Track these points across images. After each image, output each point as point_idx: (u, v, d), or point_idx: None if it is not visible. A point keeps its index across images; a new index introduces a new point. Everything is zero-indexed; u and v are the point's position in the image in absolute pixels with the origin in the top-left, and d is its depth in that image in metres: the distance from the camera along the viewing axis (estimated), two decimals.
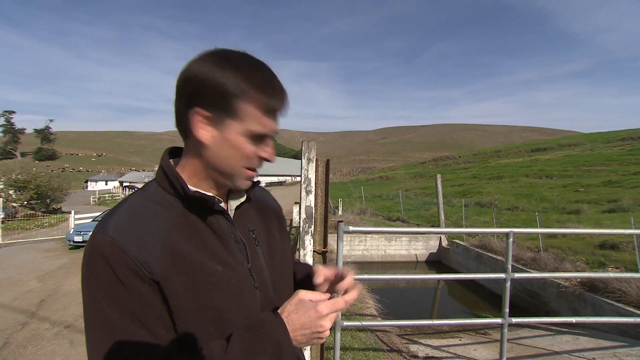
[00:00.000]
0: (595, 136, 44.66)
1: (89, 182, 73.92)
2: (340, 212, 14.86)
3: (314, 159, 2.49)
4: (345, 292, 0.74)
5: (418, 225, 13.26)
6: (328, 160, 2.61)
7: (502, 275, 2.89)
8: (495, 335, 4.23)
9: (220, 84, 0.61)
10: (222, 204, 0.70)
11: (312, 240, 2.50)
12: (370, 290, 6.16)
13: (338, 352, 2.65)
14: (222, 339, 0.61)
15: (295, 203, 13.54)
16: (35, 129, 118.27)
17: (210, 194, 0.68)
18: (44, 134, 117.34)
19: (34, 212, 19.38)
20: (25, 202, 20.72)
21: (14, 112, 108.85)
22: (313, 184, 2.48)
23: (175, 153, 0.74)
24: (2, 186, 21.23)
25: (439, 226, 11.50)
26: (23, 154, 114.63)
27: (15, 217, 18.04)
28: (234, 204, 0.75)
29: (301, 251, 2.50)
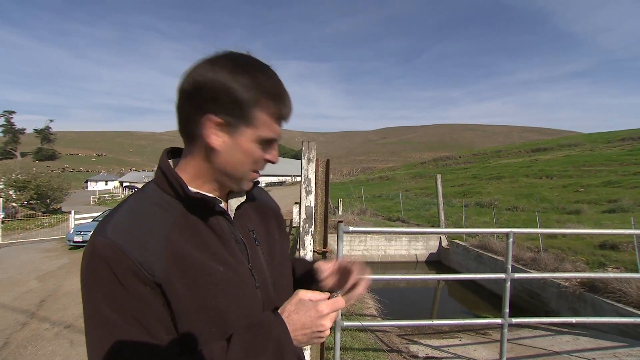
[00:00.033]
0: (595, 136, 44.66)
1: (89, 182, 73.91)
2: (340, 212, 14.87)
3: (314, 159, 2.49)
4: (353, 286, 0.75)
5: (418, 226, 13.26)
6: (328, 161, 2.61)
7: (502, 276, 2.89)
8: (495, 335, 4.23)
9: (236, 92, 0.61)
10: (222, 204, 0.70)
11: (312, 240, 2.50)
12: (370, 290, 6.17)
13: (338, 352, 2.65)
14: (224, 339, 0.61)
15: (295, 203, 13.55)
16: (35, 129, 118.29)
17: (212, 195, 0.68)
18: (44, 134, 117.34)
19: (34, 212, 19.38)
20: (25, 202, 20.73)
21: (14, 112, 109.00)
22: (313, 184, 2.48)
23: (173, 153, 0.74)
24: (2, 186, 21.24)
25: (439, 226, 11.50)
26: (23, 154, 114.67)
27: (15, 217, 18.04)
28: (234, 204, 0.75)
29: (301, 251, 2.50)
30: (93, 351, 0.56)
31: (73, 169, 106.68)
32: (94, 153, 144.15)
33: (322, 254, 2.62)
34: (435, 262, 11.07)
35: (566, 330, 4.30)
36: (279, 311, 0.63)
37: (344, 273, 0.79)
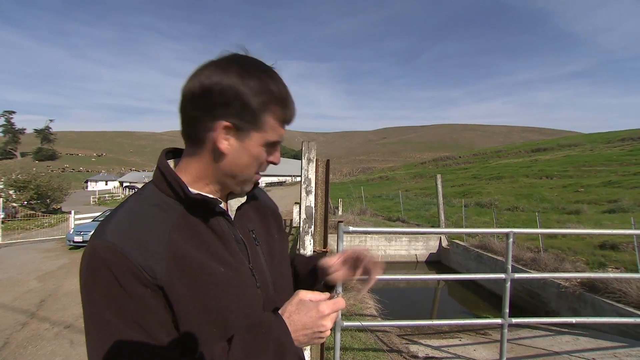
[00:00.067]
0: (595, 136, 44.66)
1: (89, 182, 73.91)
2: (340, 212, 14.87)
3: (314, 159, 2.49)
4: (367, 272, 0.80)
5: (418, 226, 13.26)
6: (328, 161, 2.61)
7: (502, 276, 2.89)
8: (495, 335, 4.23)
9: (246, 97, 0.61)
10: (222, 205, 0.70)
11: (312, 241, 2.50)
12: (370, 291, 6.17)
13: (338, 352, 2.65)
14: (225, 340, 0.61)
15: (296, 203, 13.55)
16: (35, 129, 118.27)
17: (212, 196, 0.68)
18: (44, 134, 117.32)
19: (34, 212, 19.38)
20: (25, 202, 20.73)
21: (14, 112, 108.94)
22: (313, 184, 2.48)
23: (172, 154, 0.74)
24: (2, 186, 21.25)
25: (439, 226, 11.50)
26: (23, 154, 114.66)
27: (15, 217, 18.04)
28: (234, 204, 0.75)
29: (301, 251, 2.50)
30: (94, 354, 0.55)
31: (73, 169, 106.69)
32: (94, 153, 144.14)
33: (322, 254, 2.62)
34: (435, 262, 11.07)
35: (566, 330, 4.30)
36: (279, 312, 0.64)
37: (353, 263, 0.84)
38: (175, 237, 0.61)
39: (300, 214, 2.54)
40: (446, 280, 9.36)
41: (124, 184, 59.04)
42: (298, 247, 3.05)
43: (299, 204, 2.68)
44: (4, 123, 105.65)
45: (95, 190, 49.28)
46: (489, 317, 5.16)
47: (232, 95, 0.61)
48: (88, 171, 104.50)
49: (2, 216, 14.58)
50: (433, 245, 11.28)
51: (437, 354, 3.67)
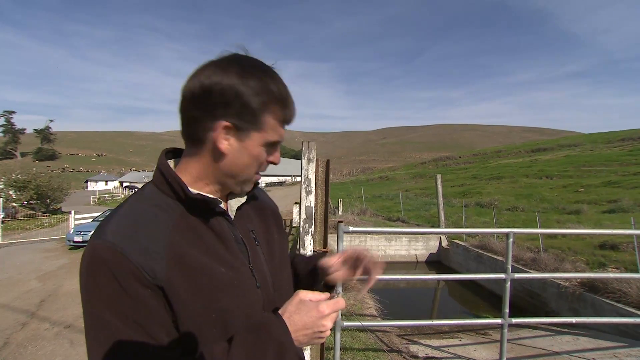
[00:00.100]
0: (595, 136, 44.65)
1: (89, 182, 73.89)
2: (340, 212, 14.87)
3: (314, 159, 2.49)
4: (369, 272, 0.82)
5: (418, 226, 13.26)
6: (328, 161, 2.61)
7: (502, 276, 2.89)
8: (495, 335, 4.23)
9: (246, 97, 0.61)
10: (222, 205, 0.70)
11: (312, 241, 2.50)
12: (370, 291, 6.17)
13: (338, 352, 2.65)
14: (225, 340, 0.61)
15: (296, 203, 13.55)
16: (35, 129, 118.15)
17: (212, 197, 0.68)
18: (44, 134, 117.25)
19: (34, 212, 19.38)
20: (25, 202, 20.74)
21: (14, 112, 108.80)
22: (313, 184, 2.48)
23: (172, 154, 0.73)
24: (2, 186, 21.26)
25: (439, 226, 11.50)
26: (23, 154, 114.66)
27: (15, 217, 18.05)
28: (234, 204, 0.75)
29: (301, 251, 2.50)
30: (94, 355, 0.55)
31: (73, 169, 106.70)
32: (94, 153, 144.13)
33: (322, 254, 2.62)
34: (435, 262, 11.07)
35: (566, 330, 4.30)
36: (279, 312, 0.63)
37: (353, 263, 0.85)
38: (175, 237, 0.61)
39: (300, 214, 2.54)
40: (446, 280, 9.36)
41: (124, 184, 59.02)
42: (298, 247, 3.05)
43: (299, 204, 2.68)
44: (4, 123, 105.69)
45: (95, 190, 49.29)
46: (489, 317, 5.16)
47: (232, 95, 0.61)
48: (88, 171, 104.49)
49: (2, 216, 14.57)
50: (433, 245, 11.28)
51: (437, 354, 3.67)
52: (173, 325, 0.59)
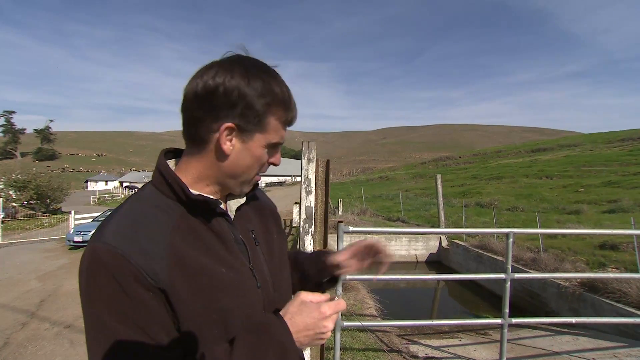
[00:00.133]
0: (595, 136, 44.66)
1: (88, 182, 73.90)
2: (340, 212, 14.87)
3: (314, 159, 2.49)
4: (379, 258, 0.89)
5: (418, 226, 13.26)
6: (328, 161, 2.61)
7: (502, 276, 2.89)
8: (495, 335, 4.23)
9: (250, 98, 0.61)
10: (222, 206, 0.70)
11: (312, 241, 2.50)
12: (370, 291, 6.17)
13: (338, 353, 2.65)
14: (227, 341, 0.61)
15: (296, 203, 13.55)
16: (35, 129, 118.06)
17: (213, 197, 0.68)
18: (44, 134, 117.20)
19: (34, 212, 19.40)
20: (25, 202, 20.75)
21: (14, 112, 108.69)
22: (313, 185, 2.48)
23: (171, 154, 0.73)
24: (2, 186, 21.27)
25: (439, 226, 11.50)
26: (23, 154, 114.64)
27: (15, 217, 18.06)
28: (233, 205, 0.75)
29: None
30: (95, 357, 0.55)
31: (73, 169, 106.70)
32: (94, 153, 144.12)
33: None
34: (435, 263, 11.07)
35: (566, 330, 4.30)
36: (281, 313, 0.64)
37: (363, 254, 0.90)
38: (175, 238, 0.61)
39: (300, 214, 2.54)
40: (446, 280, 9.36)
41: (124, 184, 59.03)
42: (298, 247, 3.05)
43: (299, 204, 2.68)
44: (4, 123, 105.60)
45: (95, 190, 49.29)
46: (489, 317, 5.16)
47: (236, 96, 0.61)
48: (88, 171, 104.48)
49: (2, 216, 14.58)
50: (433, 245, 11.28)
51: (437, 354, 3.67)
52: (174, 326, 0.58)
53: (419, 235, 11.25)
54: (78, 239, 10.57)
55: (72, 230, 11.51)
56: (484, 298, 7.81)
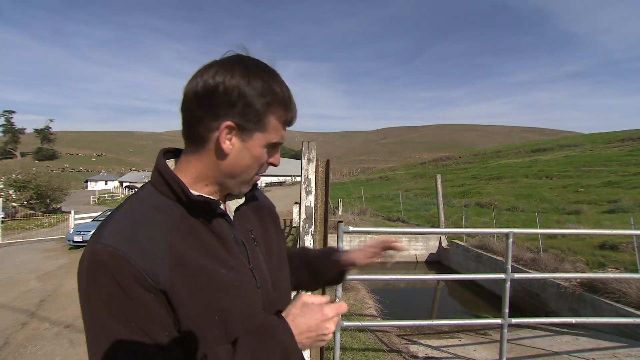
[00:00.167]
0: (595, 137, 44.65)
1: (88, 182, 73.86)
2: (340, 212, 14.87)
3: (314, 159, 2.49)
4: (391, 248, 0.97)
5: (418, 226, 13.26)
6: (328, 161, 2.61)
7: (502, 276, 2.89)
8: (495, 335, 4.23)
9: (251, 97, 0.61)
10: (221, 206, 0.70)
11: (312, 241, 2.50)
12: (370, 291, 6.17)
13: (338, 353, 2.66)
14: (228, 341, 0.61)
15: (295, 203, 13.55)
16: (35, 129, 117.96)
17: (213, 198, 0.68)
18: (44, 134, 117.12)
19: (33, 212, 19.39)
20: (25, 202, 20.74)
21: (14, 112, 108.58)
22: (313, 184, 2.48)
23: (170, 154, 0.73)
24: (2, 186, 21.26)
25: (438, 226, 11.50)
26: (23, 154, 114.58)
27: (15, 217, 18.05)
28: (232, 205, 0.75)
29: None
30: (95, 359, 0.54)
31: (73, 169, 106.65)
32: (94, 153, 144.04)
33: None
34: (435, 263, 11.07)
35: (566, 330, 4.30)
36: (283, 314, 0.64)
37: (376, 251, 0.97)
38: (176, 239, 0.60)
39: (300, 214, 2.54)
40: (446, 281, 9.36)
41: (124, 184, 59.02)
42: (298, 247, 3.05)
43: (299, 204, 2.68)
44: (4, 123, 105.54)
45: (95, 190, 49.26)
46: (488, 317, 5.16)
47: (236, 95, 0.61)
48: (88, 171, 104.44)
49: (2, 216, 14.57)
50: (433, 245, 11.28)
51: (436, 354, 3.67)
52: (175, 327, 0.58)
53: (418, 235, 11.24)
54: (78, 238, 10.57)
55: (72, 230, 11.51)
56: (483, 298, 7.81)
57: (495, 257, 8.05)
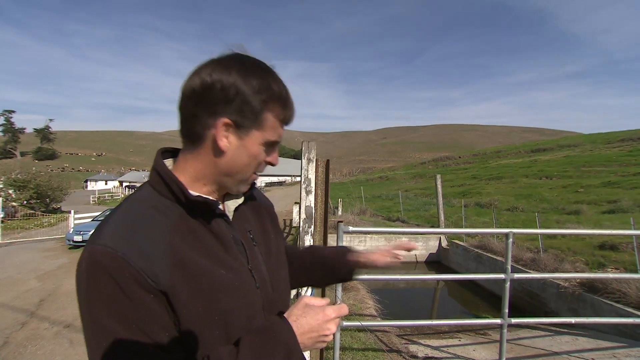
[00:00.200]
0: (595, 137, 44.66)
1: (88, 182, 73.83)
2: (340, 212, 14.87)
3: (314, 159, 2.49)
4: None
5: (418, 226, 13.26)
6: (328, 161, 2.61)
7: (502, 276, 2.89)
8: (494, 335, 4.24)
9: (247, 95, 0.61)
10: (220, 206, 0.69)
11: (312, 240, 2.50)
12: (369, 291, 6.17)
13: (337, 352, 2.66)
14: (228, 342, 0.61)
15: (295, 203, 13.55)
16: (35, 129, 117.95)
17: (212, 198, 0.67)
18: (44, 134, 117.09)
19: (33, 211, 19.38)
20: (25, 202, 20.73)
21: (13, 111, 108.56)
22: (313, 184, 2.48)
23: (168, 153, 0.72)
24: (1, 186, 21.25)
25: (438, 226, 11.50)
26: (23, 154, 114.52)
27: (14, 217, 18.03)
28: (231, 205, 0.75)
29: None
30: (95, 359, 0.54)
31: (73, 169, 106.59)
32: (94, 153, 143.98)
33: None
34: (435, 263, 11.07)
35: (565, 330, 4.31)
36: (285, 315, 0.64)
37: (391, 252, 0.99)
38: (175, 240, 0.60)
39: (300, 214, 2.54)
40: (446, 281, 9.36)
41: (124, 184, 58.98)
42: (298, 246, 3.04)
43: (299, 204, 2.68)
44: (4, 122, 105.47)
45: (95, 190, 49.24)
46: (488, 317, 5.17)
47: (233, 92, 0.61)
48: (88, 171, 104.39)
49: (1, 215, 14.56)
50: (433, 245, 11.28)
51: (436, 354, 3.67)
52: (175, 328, 0.58)
53: (418, 235, 11.23)
54: (78, 238, 10.57)
55: (72, 229, 11.51)
56: (483, 298, 7.81)
57: (495, 257, 8.05)
